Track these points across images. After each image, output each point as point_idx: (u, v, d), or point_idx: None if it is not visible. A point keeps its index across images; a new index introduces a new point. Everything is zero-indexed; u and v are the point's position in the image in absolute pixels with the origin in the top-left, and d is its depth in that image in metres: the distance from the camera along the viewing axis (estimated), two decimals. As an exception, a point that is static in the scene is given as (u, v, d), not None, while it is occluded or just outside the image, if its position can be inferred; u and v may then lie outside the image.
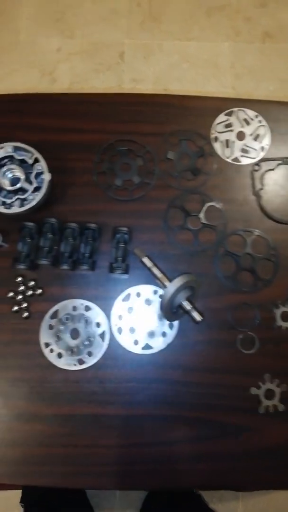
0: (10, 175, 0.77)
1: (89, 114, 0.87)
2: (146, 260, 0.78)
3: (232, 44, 1.68)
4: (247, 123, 0.87)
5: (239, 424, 0.77)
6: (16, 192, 0.76)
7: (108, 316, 0.79)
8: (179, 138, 0.85)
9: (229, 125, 0.86)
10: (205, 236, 0.82)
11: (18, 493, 1.18)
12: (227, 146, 0.86)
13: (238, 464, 0.76)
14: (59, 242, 0.79)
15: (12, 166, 0.76)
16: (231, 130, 0.86)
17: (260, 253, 0.82)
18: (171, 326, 0.79)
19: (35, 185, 0.76)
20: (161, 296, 0.79)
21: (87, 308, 0.79)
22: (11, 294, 0.79)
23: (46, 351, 0.77)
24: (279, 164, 0.85)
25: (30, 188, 0.76)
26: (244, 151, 0.86)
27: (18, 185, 0.75)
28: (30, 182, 0.76)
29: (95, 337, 0.78)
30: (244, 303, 0.80)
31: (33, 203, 0.75)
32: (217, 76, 1.64)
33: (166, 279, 0.76)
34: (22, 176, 0.76)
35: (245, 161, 0.85)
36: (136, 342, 0.79)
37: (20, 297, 0.79)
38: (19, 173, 0.76)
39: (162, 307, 0.73)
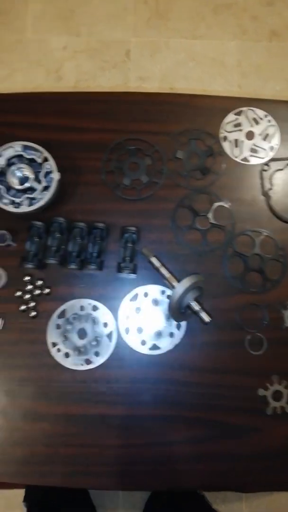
0: (19, 174, 0.76)
1: (98, 113, 0.86)
2: (154, 260, 0.78)
3: (238, 43, 1.67)
4: (256, 122, 0.86)
5: (246, 425, 0.76)
6: (25, 191, 0.76)
7: (115, 316, 0.79)
8: (188, 137, 0.85)
9: (238, 125, 0.86)
10: (214, 236, 0.82)
11: (21, 492, 1.18)
12: (236, 145, 0.85)
13: (243, 464, 0.76)
14: (67, 242, 0.78)
15: (22, 165, 0.76)
16: (240, 130, 0.86)
17: (268, 253, 0.81)
18: (178, 327, 0.79)
19: (44, 184, 0.76)
20: (169, 297, 0.79)
21: (95, 308, 0.79)
22: (19, 293, 0.78)
23: (53, 350, 0.77)
24: (288, 164, 0.84)
25: (39, 187, 0.75)
26: (253, 150, 0.85)
27: (27, 184, 0.75)
28: (39, 181, 0.76)
29: (103, 337, 0.78)
30: (252, 304, 0.80)
31: (42, 202, 0.75)
32: (223, 75, 1.64)
33: (174, 279, 0.76)
34: (31, 175, 0.75)
35: (254, 161, 0.85)
36: (143, 343, 0.78)
37: (27, 296, 0.79)
38: (28, 172, 0.76)
39: (170, 307, 0.73)
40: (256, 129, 0.86)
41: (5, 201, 0.75)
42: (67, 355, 0.77)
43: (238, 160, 0.85)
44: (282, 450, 0.76)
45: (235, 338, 0.79)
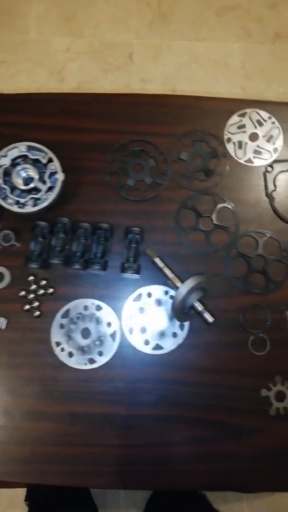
0: (24, 175, 0.77)
1: (102, 114, 0.87)
2: (157, 261, 0.78)
3: (242, 45, 1.67)
4: (260, 124, 0.87)
5: (248, 425, 0.77)
6: (29, 191, 0.76)
7: (119, 316, 0.79)
8: (192, 139, 0.85)
9: (242, 126, 0.86)
10: (217, 237, 0.82)
11: (22, 491, 1.19)
12: (240, 147, 0.86)
13: (243, 465, 0.76)
14: (71, 242, 0.79)
15: (26, 165, 0.76)
16: (244, 131, 0.86)
17: (272, 254, 0.82)
18: (181, 327, 0.79)
19: (48, 184, 0.76)
20: (172, 297, 0.79)
21: (98, 308, 0.79)
22: (23, 293, 0.79)
23: (57, 350, 0.78)
24: (291, 166, 0.85)
25: (44, 187, 0.76)
26: (257, 152, 0.85)
27: (32, 185, 0.75)
28: (44, 182, 0.76)
29: (106, 337, 0.79)
30: (255, 305, 0.80)
31: (47, 203, 0.75)
32: (227, 77, 1.64)
33: (177, 280, 0.76)
34: (36, 176, 0.76)
35: (257, 162, 0.85)
36: (146, 342, 0.79)
37: (31, 296, 0.79)
38: (33, 172, 0.76)
39: (174, 308, 0.73)
40: (260, 131, 0.86)
41: (10, 201, 0.75)
42: (70, 354, 0.78)
43: (241, 161, 0.85)
44: (283, 451, 0.76)
45: (238, 338, 0.79)
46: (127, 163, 0.84)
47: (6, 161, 0.75)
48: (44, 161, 0.76)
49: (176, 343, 0.79)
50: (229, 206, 0.83)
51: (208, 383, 0.78)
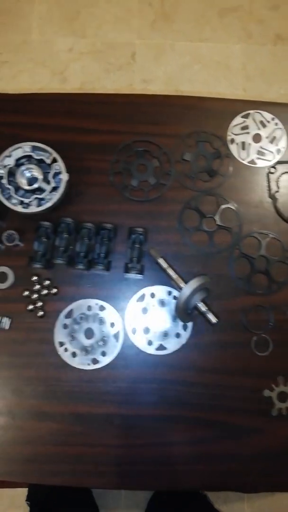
0: (28, 175, 0.77)
1: (106, 115, 0.87)
2: (161, 261, 0.78)
3: (244, 46, 1.67)
4: (264, 125, 0.87)
5: (249, 425, 0.77)
6: (33, 191, 0.76)
7: (122, 316, 0.80)
8: (196, 139, 0.86)
9: (245, 127, 0.87)
10: (220, 238, 0.83)
11: (24, 491, 1.19)
12: (243, 148, 0.86)
13: (244, 465, 0.76)
14: (75, 242, 0.79)
15: (30, 165, 0.76)
16: (248, 132, 0.86)
17: (275, 255, 0.82)
18: (185, 327, 0.79)
19: (52, 185, 0.76)
20: (175, 297, 0.80)
21: (102, 308, 0.80)
22: (26, 293, 0.79)
23: (60, 350, 0.78)
24: (295, 167, 0.85)
25: (48, 188, 0.76)
26: (260, 153, 0.86)
27: (36, 185, 0.76)
28: (48, 182, 0.76)
29: (109, 337, 0.79)
30: (258, 305, 0.80)
31: (51, 203, 0.75)
32: (228, 78, 1.64)
33: (181, 280, 0.76)
34: (40, 176, 0.76)
35: (261, 163, 0.85)
36: (150, 343, 0.79)
37: (35, 296, 0.79)
38: (37, 172, 0.76)
39: (177, 308, 0.73)
40: (263, 132, 0.87)
41: (14, 201, 0.75)
42: (74, 354, 0.78)
43: (245, 162, 0.85)
44: (283, 451, 0.77)
45: (241, 339, 0.79)
46: (130, 163, 0.85)
47: (11, 161, 0.75)
48: (49, 161, 0.76)
49: (180, 343, 0.79)
50: (233, 207, 0.83)
51: (210, 383, 0.78)
